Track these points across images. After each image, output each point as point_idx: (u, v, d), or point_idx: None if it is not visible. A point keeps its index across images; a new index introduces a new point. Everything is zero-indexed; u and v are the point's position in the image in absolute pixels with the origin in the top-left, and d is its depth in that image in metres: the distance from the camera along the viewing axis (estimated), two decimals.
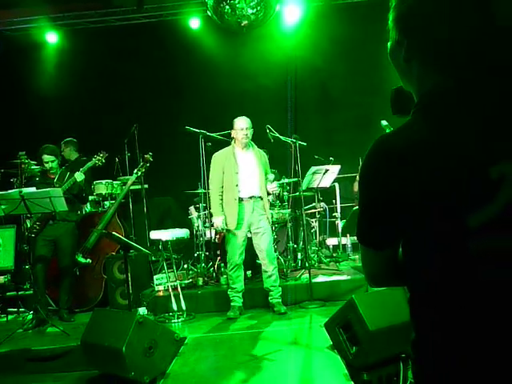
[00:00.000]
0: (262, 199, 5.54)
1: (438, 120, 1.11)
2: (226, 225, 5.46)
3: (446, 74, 1.14)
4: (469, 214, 1.05)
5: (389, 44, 1.25)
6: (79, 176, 5.84)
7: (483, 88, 1.12)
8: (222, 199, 5.51)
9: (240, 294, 5.60)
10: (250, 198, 5.50)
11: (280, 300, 5.59)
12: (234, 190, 5.43)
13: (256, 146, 5.71)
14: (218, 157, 5.57)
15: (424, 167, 1.07)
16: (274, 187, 5.64)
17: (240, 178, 5.47)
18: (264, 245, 5.51)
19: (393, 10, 1.20)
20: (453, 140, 1.07)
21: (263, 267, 5.60)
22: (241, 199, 5.47)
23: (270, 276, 5.54)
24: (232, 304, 5.56)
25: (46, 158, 5.79)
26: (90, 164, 6.08)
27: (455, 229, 1.06)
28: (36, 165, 6.34)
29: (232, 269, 5.54)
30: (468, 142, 1.07)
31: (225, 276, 6.13)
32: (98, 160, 6.18)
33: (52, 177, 5.88)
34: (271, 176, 5.63)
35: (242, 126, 5.47)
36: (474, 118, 1.09)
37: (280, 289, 5.63)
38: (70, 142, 7.20)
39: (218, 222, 5.52)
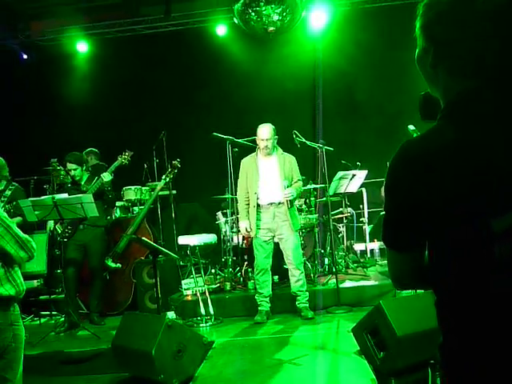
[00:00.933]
0: (283, 205, 5.52)
1: (464, 126, 1.12)
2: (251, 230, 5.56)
3: (472, 81, 1.15)
4: (494, 218, 1.06)
5: (416, 51, 1.27)
6: (107, 176, 5.93)
7: (510, 95, 1.14)
8: (247, 204, 5.59)
9: (267, 299, 5.62)
10: (270, 204, 5.54)
11: (307, 305, 5.59)
12: (253, 197, 5.53)
13: (281, 151, 5.72)
14: (244, 163, 5.69)
15: (450, 173, 1.09)
16: (287, 194, 5.48)
17: (260, 185, 5.54)
18: (289, 250, 5.53)
19: (420, 17, 1.22)
20: (479, 146, 1.09)
21: (290, 272, 5.61)
22: (260, 206, 5.54)
23: (297, 281, 5.55)
24: (259, 309, 5.59)
25: (68, 166, 5.96)
26: (116, 163, 6.17)
27: (479, 233, 1.08)
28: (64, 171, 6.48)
29: (258, 273, 5.59)
30: (495, 147, 1.09)
31: (252, 281, 6.16)
32: (124, 159, 6.22)
33: (79, 183, 6.02)
34: (285, 182, 5.54)
35: (262, 136, 5.52)
36: (501, 124, 1.11)
37: (307, 294, 5.63)
38: (91, 152, 7.35)
39: (242, 226, 5.62)
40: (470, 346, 1.11)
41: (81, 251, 5.94)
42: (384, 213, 1.26)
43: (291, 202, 5.57)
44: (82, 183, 6.00)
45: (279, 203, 5.53)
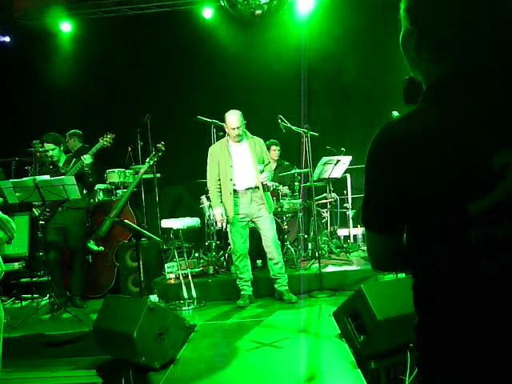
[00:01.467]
0: (259, 189, 5.51)
1: (444, 108, 1.13)
2: (227, 216, 5.54)
3: (453, 64, 1.16)
4: (470, 201, 1.07)
5: (400, 34, 1.26)
6: (88, 159, 5.79)
7: (490, 78, 1.14)
8: (220, 191, 5.55)
9: (249, 283, 5.64)
10: (247, 189, 5.51)
11: (287, 288, 5.60)
12: (228, 183, 5.47)
13: (250, 135, 5.65)
14: (214, 150, 5.61)
15: (429, 153, 1.09)
16: (263, 178, 5.46)
17: (234, 171, 5.49)
18: (266, 232, 5.53)
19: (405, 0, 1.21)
20: (458, 128, 1.09)
21: (268, 255, 5.60)
22: (236, 192, 5.50)
23: (276, 263, 5.55)
24: (242, 293, 5.62)
25: (46, 146, 5.81)
26: (98, 146, 6.04)
27: (456, 215, 1.09)
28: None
29: (237, 259, 5.58)
30: (473, 130, 1.09)
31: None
32: (106, 141, 6.10)
33: (57, 164, 5.91)
34: (260, 167, 5.50)
35: (233, 125, 5.44)
36: (481, 106, 1.11)
37: (286, 276, 5.64)
38: (74, 134, 7.25)
39: (217, 213, 5.57)
40: (446, 326, 1.13)
41: (61, 234, 5.86)
42: (364, 195, 1.26)
43: (266, 186, 5.55)
44: (60, 165, 5.89)
45: (255, 187, 5.50)
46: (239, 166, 5.51)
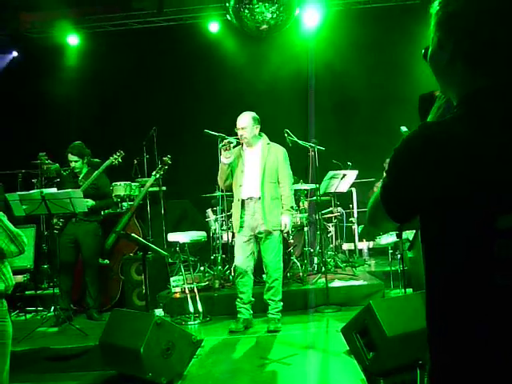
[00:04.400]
0: (264, 201, 5.05)
1: (481, 118, 1.12)
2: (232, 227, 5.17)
3: (491, 75, 1.16)
4: (500, 214, 1.06)
5: (429, 49, 1.27)
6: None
7: None
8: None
9: (248, 306, 5.18)
10: (250, 199, 5.11)
11: (276, 317, 5.11)
12: (238, 190, 5.14)
13: (267, 140, 5.24)
14: (234, 150, 5.25)
15: (463, 162, 1.09)
16: (284, 224, 5.09)
17: (245, 178, 5.13)
18: (264, 252, 5.12)
19: (436, 14, 1.22)
20: (493, 139, 1.09)
21: (264, 277, 5.29)
22: (243, 201, 5.12)
23: (268, 288, 5.14)
24: (238, 316, 5.18)
25: (70, 157, 5.86)
26: (107, 163, 6.13)
27: (484, 226, 1.08)
28: (61, 164, 6.39)
29: (237, 276, 5.18)
30: (508, 142, 1.09)
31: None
32: (115, 159, 6.20)
33: (77, 176, 5.95)
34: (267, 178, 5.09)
35: (238, 125, 5.12)
36: None
37: (280, 304, 5.16)
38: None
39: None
40: (471, 339, 1.11)
41: (74, 245, 5.86)
42: (386, 180, 1.23)
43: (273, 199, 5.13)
44: (80, 177, 5.91)
45: (259, 198, 5.07)
46: (248, 173, 5.14)
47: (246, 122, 5.10)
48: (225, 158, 5.06)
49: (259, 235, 5.13)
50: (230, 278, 6.59)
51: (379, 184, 1.30)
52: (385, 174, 1.24)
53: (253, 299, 5.23)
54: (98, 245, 6.10)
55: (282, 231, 5.17)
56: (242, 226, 5.11)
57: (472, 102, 1.16)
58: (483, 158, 1.08)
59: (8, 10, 8.98)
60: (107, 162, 6.13)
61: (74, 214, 5.72)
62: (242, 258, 5.13)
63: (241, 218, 5.10)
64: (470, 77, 1.19)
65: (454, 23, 1.18)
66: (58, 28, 8.95)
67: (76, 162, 5.87)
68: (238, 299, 5.21)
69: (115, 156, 6.22)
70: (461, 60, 1.19)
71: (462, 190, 1.09)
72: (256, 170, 5.12)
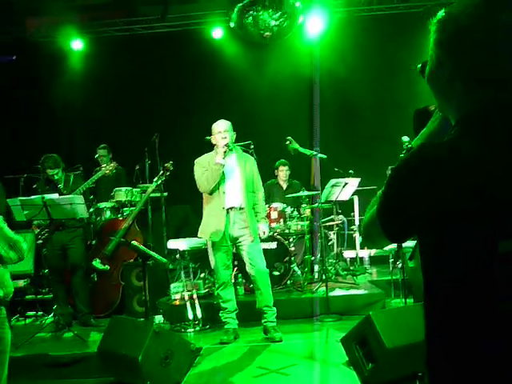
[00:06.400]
0: (244, 210, 5.02)
1: (482, 137, 1.11)
2: (210, 237, 5.02)
3: (490, 93, 1.15)
4: (502, 238, 1.05)
5: (428, 65, 1.26)
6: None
7: None
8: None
9: (233, 315, 5.14)
10: (231, 208, 5.01)
11: (275, 324, 5.06)
12: (221, 197, 4.95)
13: (240, 150, 5.22)
14: (203, 162, 5.09)
15: (465, 182, 1.07)
16: (262, 232, 5.18)
17: (226, 186, 4.99)
18: (252, 259, 5.03)
19: (436, 32, 1.21)
20: (496, 159, 1.08)
21: (253, 284, 5.21)
22: (227, 210, 4.99)
23: (261, 296, 5.06)
24: (226, 327, 5.13)
25: (49, 172, 5.87)
26: (100, 173, 6.19)
27: (485, 250, 1.06)
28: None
29: (219, 287, 5.11)
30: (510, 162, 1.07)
31: (241, 286, 6.10)
32: (109, 170, 6.29)
33: (58, 185, 5.96)
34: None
35: (219, 128, 4.96)
36: None
37: (275, 309, 5.11)
38: (105, 147, 7.46)
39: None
40: (467, 361, 1.10)
41: (62, 252, 5.89)
42: (384, 199, 1.22)
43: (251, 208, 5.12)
44: (61, 186, 5.92)
45: (240, 208, 5.01)
46: (229, 181, 5.01)
47: (227, 126, 5.04)
48: (222, 159, 4.95)
49: (239, 244, 5.08)
50: None
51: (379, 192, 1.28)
52: (380, 192, 1.23)
53: (237, 307, 5.22)
54: (84, 249, 6.13)
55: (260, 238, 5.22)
56: (223, 236, 4.99)
57: (474, 119, 1.15)
58: (483, 180, 1.07)
59: (14, 14, 9.03)
60: (99, 173, 6.22)
61: (62, 223, 5.71)
62: (223, 269, 5.07)
63: (225, 227, 4.97)
64: (470, 95, 1.18)
65: (454, 42, 1.18)
66: (63, 33, 8.97)
67: (57, 173, 5.90)
68: (222, 310, 5.17)
69: (108, 167, 6.30)
70: (461, 78, 1.18)
71: (463, 205, 1.07)
72: (236, 178, 5.06)
